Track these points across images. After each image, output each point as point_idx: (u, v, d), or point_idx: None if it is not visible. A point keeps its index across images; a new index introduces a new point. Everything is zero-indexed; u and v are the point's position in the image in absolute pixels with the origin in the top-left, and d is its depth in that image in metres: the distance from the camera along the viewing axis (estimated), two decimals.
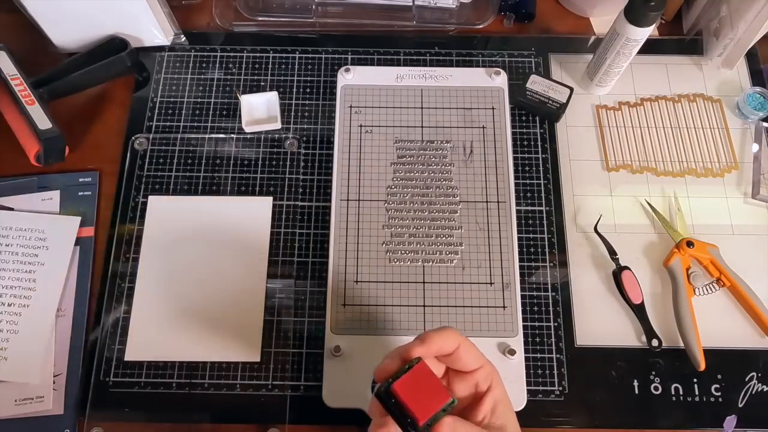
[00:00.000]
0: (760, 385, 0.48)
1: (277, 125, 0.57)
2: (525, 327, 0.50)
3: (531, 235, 0.53)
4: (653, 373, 0.48)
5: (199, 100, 0.58)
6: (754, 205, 0.54)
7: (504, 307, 0.50)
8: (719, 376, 0.48)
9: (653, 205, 0.54)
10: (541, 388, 0.48)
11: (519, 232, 0.53)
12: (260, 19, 0.62)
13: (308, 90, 0.59)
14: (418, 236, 0.52)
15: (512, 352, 0.48)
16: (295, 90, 0.59)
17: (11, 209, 0.53)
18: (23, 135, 0.54)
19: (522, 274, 0.51)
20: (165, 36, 0.59)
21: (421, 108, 0.57)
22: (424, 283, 0.51)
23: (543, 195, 0.55)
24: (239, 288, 0.51)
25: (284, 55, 0.61)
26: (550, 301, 0.51)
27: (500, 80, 0.58)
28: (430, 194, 0.54)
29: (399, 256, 0.52)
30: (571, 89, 0.57)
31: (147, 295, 0.51)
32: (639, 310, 0.50)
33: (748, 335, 0.50)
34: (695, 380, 0.48)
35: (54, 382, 0.48)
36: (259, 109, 0.57)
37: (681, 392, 0.48)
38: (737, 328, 0.50)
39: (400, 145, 0.56)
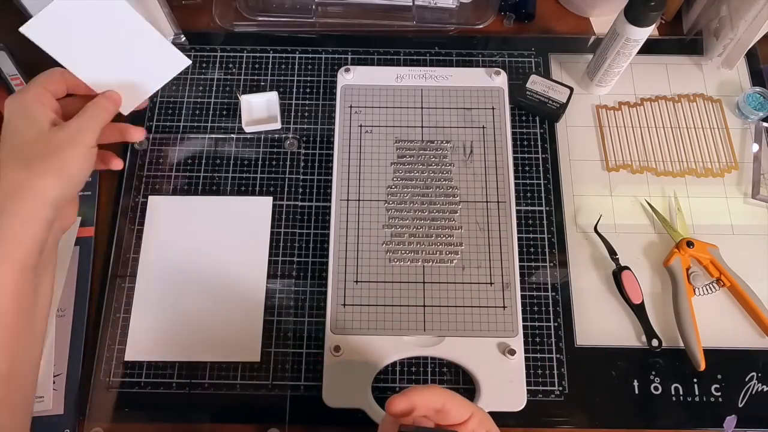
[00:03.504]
0: (760, 385, 0.48)
1: (277, 125, 0.57)
2: (525, 327, 0.50)
3: (531, 235, 0.53)
4: (653, 373, 0.49)
5: (199, 100, 0.58)
6: (754, 205, 0.54)
7: (504, 307, 0.50)
8: (719, 376, 0.48)
9: (653, 205, 0.54)
10: (541, 388, 0.48)
11: (519, 232, 0.53)
12: (260, 19, 0.62)
13: (308, 90, 0.59)
14: (418, 236, 0.52)
15: (512, 352, 0.48)
16: (295, 90, 0.59)
17: None
18: None
19: (522, 274, 0.51)
20: (165, 36, 0.59)
21: (421, 108, 0.57)
22: (424, 283, 0.51)
23: (543, 195, 0.55)
24: (239, 288, 0.51)
25: (284, 55, 0.61)
26: (550, 301, 0.51)
27: (500, 80, 0.58)
28: (430, 194, 0.54)
29: (399, 256, 0.52)
30: (571, 89, 0.57)
31: (147, 295, 0.51)
32: (639, 310, 0.50)
33: (748, 335, 0.50)
34: (695, 380, 0.48)
35: (54, 382, 0.48)
36: (259, 109, 0.57)
37: (681, 392, 0.48)
38: (737, 328, 0.50)
39: (400, 145, 0.56)
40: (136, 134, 0.49)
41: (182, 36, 0.61)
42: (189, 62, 0.51)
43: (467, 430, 0.34)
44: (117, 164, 0.48)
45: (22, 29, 0.45)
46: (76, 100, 0.46)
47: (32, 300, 0.40)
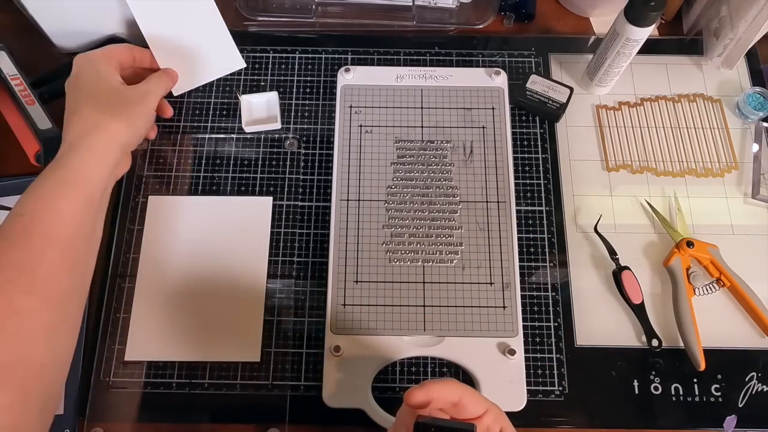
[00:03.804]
0: (760, 385, 0.48)
1: (277, 125, 0.57)
2: (525, 327, 0.50)
3: (531, 235, 0.53)
4: (653, 373, 0.49)
5: (199, 100, 0.58)
6: (754, 205, 0.54)
7: (504, 307, 0.50)
8: (719, 376, 0.48)
9: (653, 205, 0.54)
10: (541, 388, 0.48)
11: (519, 232, 0.53)
12: (260, 19, 0.62)
13: (308, 90, 0.59)
14: (418, 236, 0.52)
15: (512, 352, 0.48)
16: (295, 90, 0.59)
17: (11, 209, 0.53)
18: (23, 135, 0.54)
19: (522, 274, 0.51)
20: None
21: (421, 108, 0.57)
22: (424, 283, 0.51)
23: (543, 195, 0.55)
24: (239, 288, 0.51)
25: (284, 55, 0.61)
26: (550, 301, 0.51)
27: (500, 80, 0.58)
28: (430, 194, 0.54)
29: (399, 256, 0.52)
30: (571, 89, 0.57)
31: (147, 295, 0.51)
32: (639, 310, 0.50)
33: (748, 335, 0.50)
34: (695, 380, 0.48)
35: None
36: (259, 109, 0.57)
37: (681, 392, 0.48)
38: (737, 328, 0.50)
39: (400, 145, 0.56)
40: (168, 111, 0.55)
41: None
42: (244, 64, 0.57)
43: (482, 426, 0.35)
44: (168, 111, 0.56)
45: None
46: (135, 71, 0.53)
47: (90, 236, 0.44)
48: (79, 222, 0.42)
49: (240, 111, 0.57)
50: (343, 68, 0.59)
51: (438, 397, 0.34)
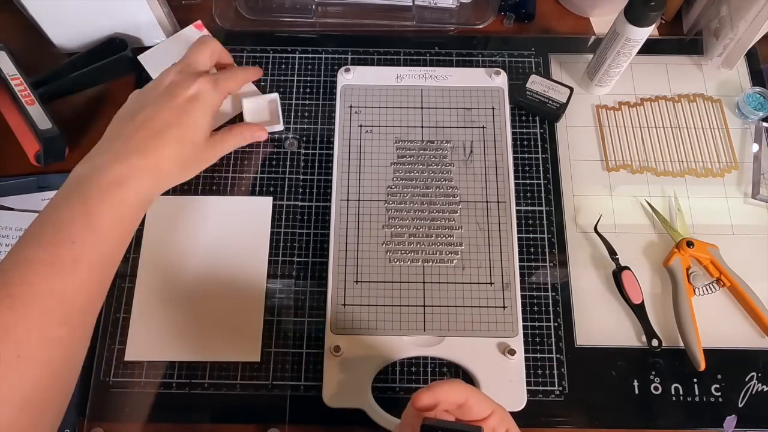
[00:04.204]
0: (760, 385, 0.48)
1: (280, 127, 0.57)
2: (525, 327, 0.50)
3: (531, 235, 0.53)
4: (653, 373, 0.49)
5: None
6: (754, 205, 0.54)
7: (504, 307, 0.50)
8: (719, 376, 0.48)
9: (653, 205, 0.54)
10: (541, 388, 0.48)
11: (519, 232, 0.53)
12: (260, 19, 0.62)
13: (308, 90, 0.59)
14: (418, 236, 0.52)
15: (512, 352, 0.48)
16: (295, 90, 0.59)
17: (11, 209, 0.53)
18: (23, 135, 0.54)
19: (522, 274, 0.51)
20: (165, 36, 0.59)
21: (421, 108, 0.57)
22: (424, 283, 0.51)
23: (543, 195, 0.55)
24: (239, 288, 0.51)
25: (284, 55, 0.61)
26: (550, 301, 0.51)
27: (500, 80, 0.58)
28: (430, 194, 0.54)
29: (399, 256, 0.52)
30: (571, 89, 0.57)
31: (147, 295, 0.51)
32: (639, 310, 0.50)
33: (748, 335, 0.50)
34: (695, 380, 0.48)
35: None
36: (262, 113, 0.57)
37: (681, 392, 0.48)
38: (737, 328, 0.50)
39: (400, 145, 0.56)
40: None
41: None
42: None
43: (488, 427, 0.35)
44: None
45: None
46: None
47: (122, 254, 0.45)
48: (124, 245, 0.44)
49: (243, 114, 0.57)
50: (343, 68, 0.59)
51: (444, 399, 0.34)
